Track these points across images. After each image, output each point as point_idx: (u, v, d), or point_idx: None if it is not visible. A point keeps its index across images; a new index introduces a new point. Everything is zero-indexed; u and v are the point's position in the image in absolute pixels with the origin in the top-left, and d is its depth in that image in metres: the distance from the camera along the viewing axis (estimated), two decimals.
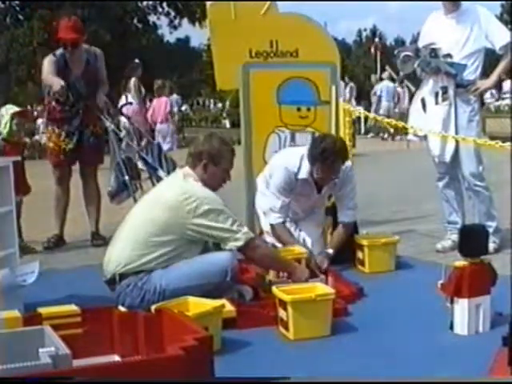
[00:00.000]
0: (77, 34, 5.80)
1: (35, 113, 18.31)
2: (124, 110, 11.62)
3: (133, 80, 11.81)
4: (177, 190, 3.88)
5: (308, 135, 5.41)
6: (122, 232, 3.94)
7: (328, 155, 4.45)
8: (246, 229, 3.88)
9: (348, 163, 4.75)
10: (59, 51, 5.83)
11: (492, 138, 5.22)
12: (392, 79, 18.13)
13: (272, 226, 4.72)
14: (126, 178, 5.75)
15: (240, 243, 3.79)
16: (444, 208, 5.43)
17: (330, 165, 4.49)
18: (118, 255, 3.84)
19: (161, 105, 12.41)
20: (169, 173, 5.39)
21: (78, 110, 5.79)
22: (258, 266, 4.15)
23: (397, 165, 11.80)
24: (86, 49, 5.93)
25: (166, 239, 3.78)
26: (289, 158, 4.72)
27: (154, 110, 12.48)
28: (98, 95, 5.82)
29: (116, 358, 3.01)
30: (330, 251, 4.62)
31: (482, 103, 5.23)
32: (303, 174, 4.63)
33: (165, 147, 9.98)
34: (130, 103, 10.21)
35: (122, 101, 11.61)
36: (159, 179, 5.39)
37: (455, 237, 4.92)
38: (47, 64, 5.80)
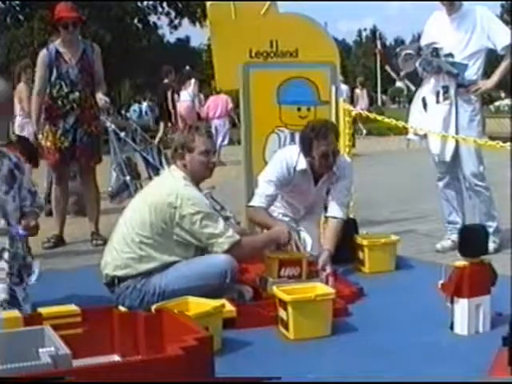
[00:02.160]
0: (78, 14, 5.88)
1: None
2: (178, 106, 12.49)
3: (193, 80, 13.18)
4: (163, 191, 3.87)
5: None
6: (116, 235, 3.93)
7: (319, 129, 4.46)
8: (230, 232, 3.86)
9: (347, 159, 4.75)
10: (52, 44, 5.86)
11: (491, 138, 5.20)
12: (346, 82, 18.23)
13: (251, 207, 4.59)
14: (127, 178, 5.74)
15: (224, 247, 3.80)
16: (444, 208, 5.43)
17: (323, 136, 4.45)
18: (113, 259, 3.84)
19: (219, 101, 13.35)
20: None
21: (72, 105, 5.75)
22: (249, 260, 4.23)
23: (397, 165, 11.80)
24: (83, 40, 5.97)
25: (158, 241, 3.77)
26: (287, 153, 4.71)
27: (210, 106, 13.52)
28: (97, 94, 5.79)
29: (116, 358, 3.01)
30: (331, 251, 4.49)
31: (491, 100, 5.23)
32: (302, 164, 4.61)
33: (218, 141, 11.45)
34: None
35: (181, 97, 12.74)
36: None
37: (455, 237, 4.91)
38: (38, 60, 5.84)
